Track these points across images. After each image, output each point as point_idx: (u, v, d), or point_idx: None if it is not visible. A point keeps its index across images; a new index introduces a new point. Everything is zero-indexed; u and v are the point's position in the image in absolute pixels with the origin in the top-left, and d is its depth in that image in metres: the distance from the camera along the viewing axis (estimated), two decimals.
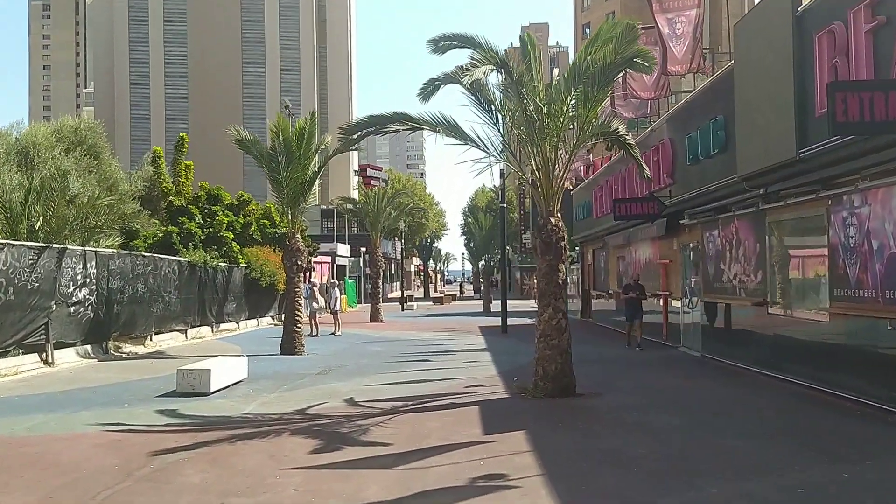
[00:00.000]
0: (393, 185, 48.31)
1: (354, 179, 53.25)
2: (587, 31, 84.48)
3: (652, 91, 17.71)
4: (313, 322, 25.90)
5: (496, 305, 45.84)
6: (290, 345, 19.44)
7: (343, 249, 54.63)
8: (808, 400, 10.90)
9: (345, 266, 55.33)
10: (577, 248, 36.25)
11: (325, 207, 69.69)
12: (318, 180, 20.68)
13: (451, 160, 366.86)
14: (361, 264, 56.08)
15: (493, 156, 11.82)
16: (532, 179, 11.74)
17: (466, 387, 12.96)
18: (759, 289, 13.61)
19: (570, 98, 10.87)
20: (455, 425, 9.49)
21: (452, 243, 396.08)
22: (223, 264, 26.28)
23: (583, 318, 33.83)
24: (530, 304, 51.09)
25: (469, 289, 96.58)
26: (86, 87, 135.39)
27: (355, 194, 45.73)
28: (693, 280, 17.96)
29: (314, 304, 26.01)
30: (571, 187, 32.79)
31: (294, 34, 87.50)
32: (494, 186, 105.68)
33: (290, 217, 20.20)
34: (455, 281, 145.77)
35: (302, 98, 77.31)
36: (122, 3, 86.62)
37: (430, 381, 13.94)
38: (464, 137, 11.70)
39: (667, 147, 17.92)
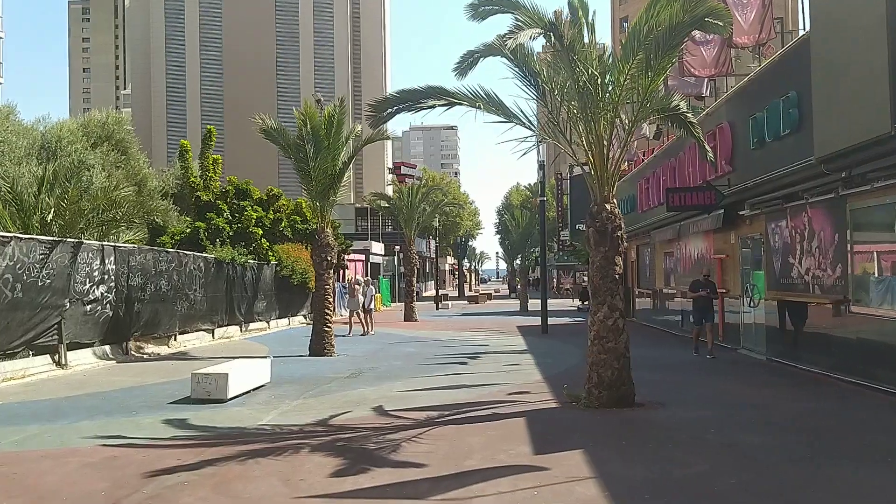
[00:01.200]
0: (427, 182, 47.17)
1: (388, 178, 52.22)
2: (625, 24, 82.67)
3: (712, 67, 16.20)
4: (355, 320, 24.83)
5: (533, 305, 44.55)
6: (319, 345, 18.32)
7: (377, 248, 53.62)
8: None
9: (379, 264, 54.33)
10: None
11: (358, 206, 68.96)
12: (348, 173, 19.51)
13: (485, 159, 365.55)
14: (395, 263, 55.05)
15: (538, 133, 10.50)
16: (584, 161, 10.41)
17: (509, 394, 11.66)
18: (838, 285, 12.08)
19: (629, 66, 9.50)
20: (499, 441, 8.20)
21: (487, 242, 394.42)
22: (252, 261, 25.29)
23: (626, 318, 32.24)
24: (567, 304, 49.58)
25: (503, 288, 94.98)
26: (124, 89, 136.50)
27: (389, 192, 44.70)
28: (754, 276, 16.43)
29: (354, 302, 24.94)
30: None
31: (328, 32, 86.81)
32: (529, 185, 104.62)
33: (319, 210, 19.06)
34: (489, 280, 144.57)
35: (336, 94, 76.65)
36: (159, 5, 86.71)
37: (469, 386, 12.67)
38: (507, 114, 10.40)
39: (725, 131, 16.41)
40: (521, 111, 10.51)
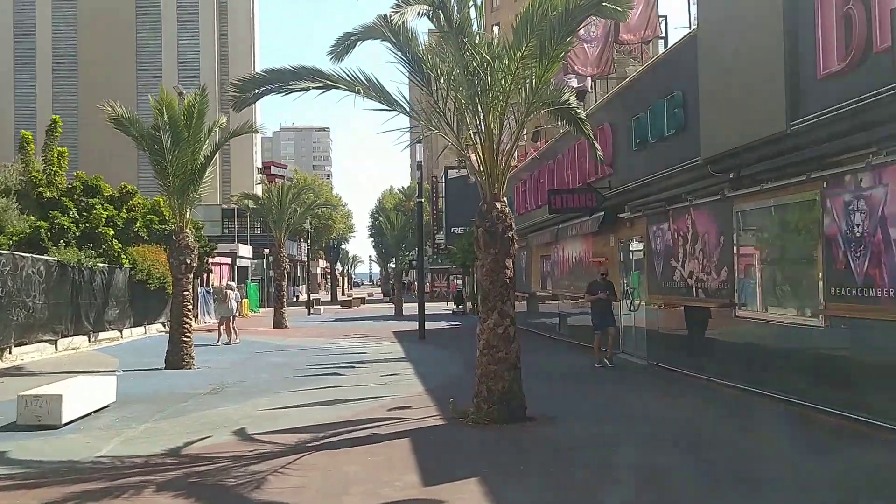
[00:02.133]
0: (298, 183, 45.39)
1: (258, 178, 49.96)
2: (495, 28, 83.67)
3: (594, 66, 15.89)
4: (223, 328, 23.01)
5: (407, 309, 43.73)
6: (176, 357, 16.62)
7: (245, 250, 51.23)
8: (826, 427, 9.01)
9: (247, 268, 51.92)
10: None
11: (225, 207, 65.88)
12: (212, 168, 17.89)
13: (358, 161, 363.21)
14: (265, 266, 52.85)
15: (422, 123, 9.59)
16: (473, 156, 9.59)
17: (390, 410, 10.65)
18: (724, 289, 11.88)
19: (521, 52, 8.74)
20: (382, 470, 7.19)
21: (360, 245, 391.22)
22: (102, 264, 22.97)
23: None
24: (442, 307, 49.12)
25: (377, 292, 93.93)
26: None
27: (259, 192, 42.58)
28: (633, 279, 16.24)
29: (225, 308, 23.13)
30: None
31: (193, 23, 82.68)
32: (403, 188, 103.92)
33: (178, 209, 17.35)
34: (363, 283, 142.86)
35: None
36: None
37: (345, 401, 11.56)
38: (389, 100, 9.43)
39: (606, 133, 16.12)
40: (405, 99, 9.57)
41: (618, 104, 15.72)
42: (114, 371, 15.46)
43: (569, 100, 10.79)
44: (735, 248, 11.53)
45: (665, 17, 15.16)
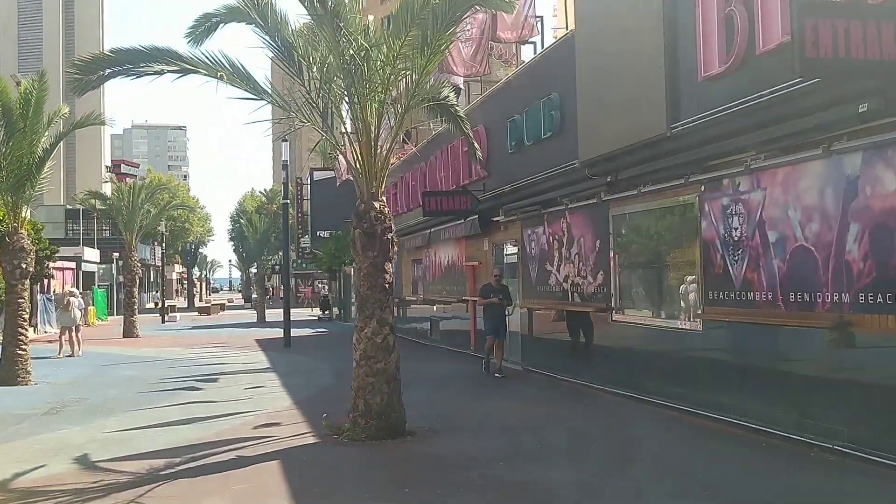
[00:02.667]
0: (152, 182, 42.67)
1: (107, 177, 46.60)
2: (370, 17, 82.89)
3: (469, 67, 15.58)
4: (65, 339, 20.92)
5: (270, 315, 42.11)
6: (10, 372, 14.84)
7: (91, 254, 47.68)
8: (699, 430, 8.93)
9: (93, 273, 48.37)
10: None
11: (70, 207, 61.37)
12: (52, 162, 16.12)
13: (217, 162, 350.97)
14: (114, 271, 49.46)
15: (294, 114, 8.83)
16: (348, 152, 8.92)
17: (256, 427, 9.77)
18: (601, 293, 11.81)
19: (402, 41, 8.18)
20: (250, 500, 6.39)
21: (219, 250, 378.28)
22: None
23: None
24: (306, 313, 47.69)
25: (237, 298, 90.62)
26: None
27: (108, 191, 39.64)
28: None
29: (68, 317, 21.03)
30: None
31: (36, 11, 76.75)
32: (265, 190, 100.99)
33: (12, 208, 15.52)
34: (222, 289, 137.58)
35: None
36: None
37: (205, 419, 10.55)
38: (256, 89, 8.60)
39: (481, 134, 15.83)
40: (274, 88, 8.77)
41: (493, 105, 15.48)
42: None
43: (448, 96, 10.36)
44: (612, 251, 11.48)
45: (541, 17, 15.08)
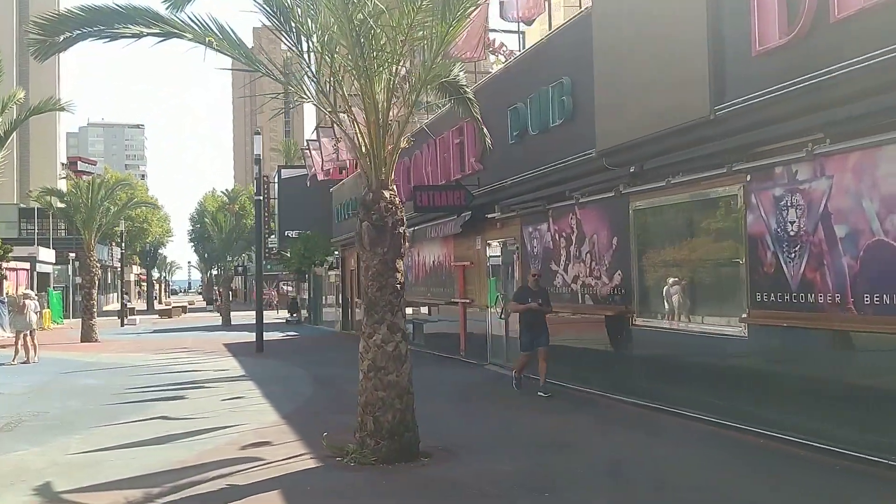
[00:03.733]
0: (110, 179, 40.75)
1: (62, 175, 44.39)
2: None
3: (463, 51, 14.48)
4: (20, 344, 19.33)
5: (236, 318, 40.56)
6: None
7: (46, 254, 45.55)
8: (747, 448, 8.03)
9: (48, 274, 46.25)
10: (335, 253, 32.47)
11: (23, 206, 58.99)
12: (6, 153, 14.76)
13: (177, 162, 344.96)
14: (70, 272, 47.38)
15: (293, 88, 7.69)
16: (355, 133, 7.81)
17: (244, 447, 8.57)
18: (618, 294, 10.84)
19: (419, 5, 7.09)
20: None
21: (178, 251, 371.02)
22: None
23: (345, 331, 30.07)
24: (272, 316, 46.09)
25: (198, 300, 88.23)
26: None
27: (64, 187, 37.69)
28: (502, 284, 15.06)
29: (23, 321, 19.44)
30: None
31: None
32: (227, 190, 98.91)
33: None
34: (182, 291, 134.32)
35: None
36: None
37: (183, 436, 9.32)
38: (248, 57, 7.45)
39: (475, 125, 14.83)
40: (270, 59, 7.62)
41: (490, 94, 14.42)
42: None
43: (459, 75, 9.30)
44: (632, 249, 10.52)
45: None
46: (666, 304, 9.93)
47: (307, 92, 7.66)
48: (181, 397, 12.88)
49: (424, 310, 19.97)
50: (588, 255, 11.66)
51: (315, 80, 7.67)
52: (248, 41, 7.56)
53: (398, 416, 7.55)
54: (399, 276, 7.84)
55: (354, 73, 7.50)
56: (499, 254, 15.28)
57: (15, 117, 14.75)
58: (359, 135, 7.86)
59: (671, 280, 9.89)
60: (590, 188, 11.45)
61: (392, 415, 7.53)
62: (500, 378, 14.15)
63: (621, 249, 10.78)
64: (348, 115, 7.89)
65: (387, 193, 7.84)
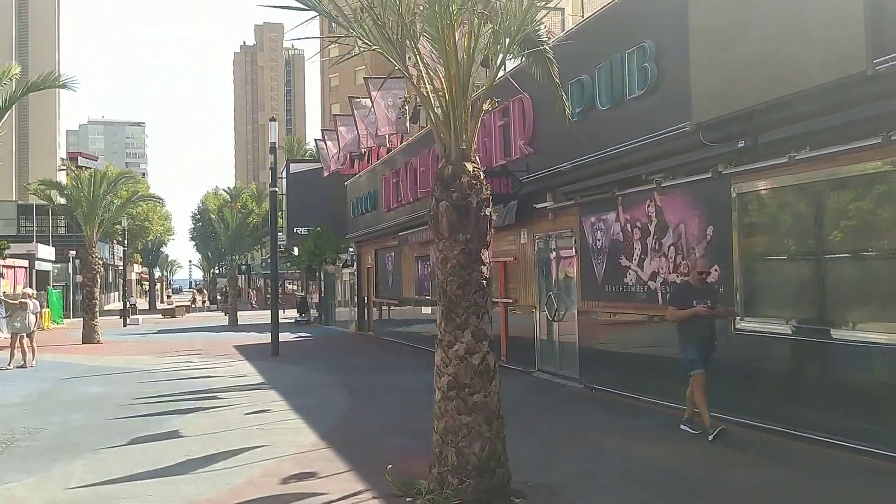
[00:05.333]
0: (112, 173, 39.14)
1: (62, 166, 42.79)
2: (333, 24, 79.61)
3: None
4: (17, 347, 17.75)
5: (242, 318, 39.01)
6: None
7: (45, 252, 43.91)
8: None
9: (48, 272, 44.63)
10: (350, 249, 30.88)
11: (22, 202, 57.48)
12: (2, 137, 13.10)
13: (177, 161, 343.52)
14: (71, 270, 45.79)
15: (357, 35, 6.11)
16: (431, 91, 6.23)
17: (286, 481, 6.98)
18: (717, 292, 9.23)
19: None
20: None
21: (178, 250, 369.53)
22: None
23: (360, 332, 28.49)
24: (279, 315, 44.40)
25: (200, 299, 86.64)
26: None
27: (64, 179, 35.99)
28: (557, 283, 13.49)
29: (17, 324, 17.86)
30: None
31: None
32: (229, 188, 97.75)
33: None
34: (182, 290, 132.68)
35: None
36: None
37: (207, 462, 7.74)
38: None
39: (525, 105, 13.26)
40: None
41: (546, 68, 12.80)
42: None
43: (540, 32, 7.71)
44: (734, 240, 8.92)
45: None
46: (783, 304, 8.32)
47: (373, 39, 6.07)
48: (198, 409, 11.30)
49: None
50: (672, 247, 10.06)
51: (382, 25, 6.07)
52: None
53: (487, 448, 5.95)
54: (485, 269, 6.25)
55: (428, 18, 5.91)
56: (550, 248, 13.69)
57: (10, 94, 13.09)
58: (433, 95, 6.27)
59: (791, 277, 8.28)
60: (676, 169, 9.86)
61: (480, 445, 5.94)
62: (555, 388, 12.59)
63: (718, 240, 9.18)
64: (422, 68, 6.28)
65: (469, 166, 6.25)
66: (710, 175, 9.17)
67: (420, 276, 21.34)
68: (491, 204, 6.34)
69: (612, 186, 11.30)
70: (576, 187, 12.20)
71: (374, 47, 6.13)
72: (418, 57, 6.33)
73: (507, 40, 6.21)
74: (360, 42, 6.16)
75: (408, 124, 19.80)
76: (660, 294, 10.29)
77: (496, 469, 5.98)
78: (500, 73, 7.07)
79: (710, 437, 7.97)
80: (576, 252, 12.58)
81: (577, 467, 7.31)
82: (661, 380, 10.31)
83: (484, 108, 6.46)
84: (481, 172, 6.33)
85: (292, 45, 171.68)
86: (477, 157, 6.43)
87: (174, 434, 9.38)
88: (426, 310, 20.75)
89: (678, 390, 9.84)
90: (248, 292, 74.78)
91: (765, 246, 8.69)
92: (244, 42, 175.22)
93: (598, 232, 11.88)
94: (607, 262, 11.61)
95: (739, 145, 8.47)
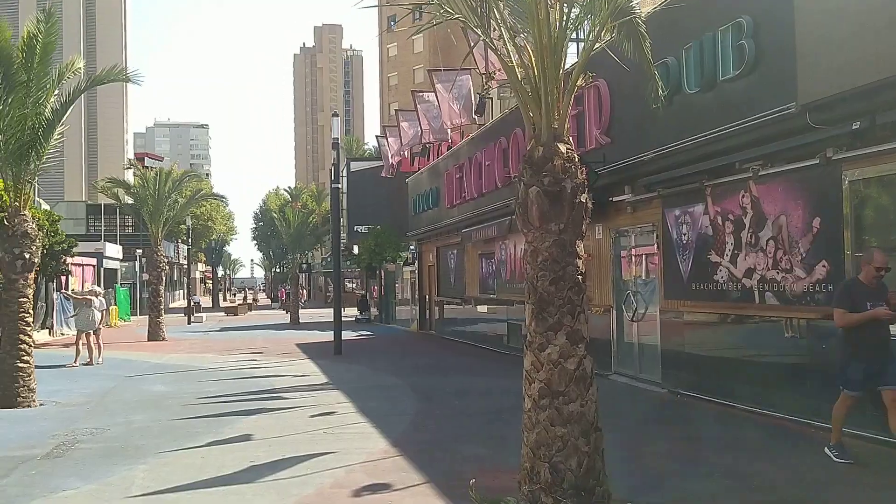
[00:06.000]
0: (175, 171, 39.62)
1: (128, 165, 43.58)
2: (392, 23, 79.66)
3: None
4: (82, 344, 17.78)
5: (302, 315, 38.99)
6: (8, 391, 11.69)
7: (113, 250, 44.71)
8: None
9: (115, 270, 45.44)
10: (411, 247, 30.45)
11: (91, 203, 58.82)
12: (58, 137, 12.84)
13: (240, 162, 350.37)
14: (137, 269, 46.54)
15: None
16: (518, 64, 5.60)
17: (359, 492, 6.44)
18: (821, 292, 8.37)
19: None
20: None
21: (240, 250, 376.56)
22: None
23: (422, 331, 28.01)
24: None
25: (260, 298, 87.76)
26: None
27: (131, 179, 36.48)
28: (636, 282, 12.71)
29: (86, 320, 17.88)
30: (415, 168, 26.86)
31: None
32: (289, 188, 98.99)
33: (12, 183, 12.37)
34: (244, 289, 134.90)
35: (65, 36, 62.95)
36: None
37: (273, 469, 7.25)
38: None
39: (601, 91, 12.53)
40: None
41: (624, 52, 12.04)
42: None
43: (633, 3, 6.98)
44: (846, 233, 8.04)
45: None
46: None
47: (453, 4, 5.47)
48: (262, 410, 10.89)
49: (518, 307, 17.68)
50: (770, 241, 9.20)
51: None
52: None
53: (585, 463, 5.29)
54: (580, 263, 5.60)
55: None
56: (629, 244, 12.90)
57: (73, 88, 12.89)
58: (520, 66, 5.63)
59: None
60: (776, 156, 9.00)
61: (577, 460, 5.27)
62: (636, 393, 11.80)
63: (826, 234, 8.31)
64: (507, 40, 5.65)
65: (562, 147, 5.59)
66: (817, 161, 8.29)
67: (484, 274, 20.70)
68: (587, 189, 5.67)
69: (700, 176, 10.47)
70: (659, 178, 11.40)
71: (457, 16, 5.52)
72: (504, 27, 5.70)
73: (605, 7, 5.52)
74: (441, 10, 5.53)
75: (473, 114, 19.16)
76: (756, 292, 9.43)
77: (595, 487, 5.31)
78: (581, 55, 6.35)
79: (837, 457, 7.03)
80: (658, 248, 11.78)
81: (682, 486, 6.56)
82: (759, 386, 9.47)
83: (578, 83, 5.78)
84: (576, 154, 5.66)
85: (350, 46, 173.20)
86: (570, 138, 5.76)
87: (238, 437, 8.95)
88: (490, 308, 20.11)
89: (780, 397, 9.03)
90: (309, 291, 75.33)
91: (882, 240, 7.78)
92: (304, 44, 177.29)
93: (684, 226, 11.05)
94: (694, 259, 10.78)
95: (854, 127, 7.60)
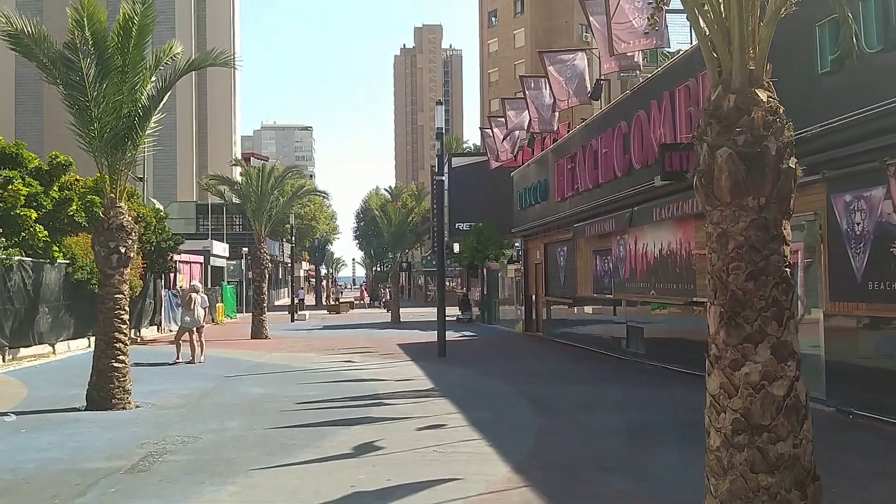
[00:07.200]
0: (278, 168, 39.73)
1: (233, 162, 44.12)
2: (493, 19, 78.34)
3: (642, 38, 10.74)
4: (184, 339, 17.42)
5: (404, 315, 38.28)
6: (102, 391, 11.08)
7: (220, 248, 45.42)
8: None
9: (222, 268, 46.17)
10: (516, 244, 29.10)
11: (200, 202, 60.26)
12: (157, 116, 12.21)
13: (342, 163, 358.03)
14: (243, 267, 47.15)
15: None
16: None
17: None
18: None
19: None
20: None
21: (342, 249, 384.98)
22: (19, 258, 17.34)
23: (528, 332, 26.61)
24: (432, 313, 43.40)
25: (351, 297, 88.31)
26: None
27: (237, 176, 36.72)
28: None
29: (187, 318, 17.51)
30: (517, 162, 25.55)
31: None
32: (390, 188, 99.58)
33: (108, 173, 11.82)
34: (347, 287, 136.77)
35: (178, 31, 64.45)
36: None
37: (379, 498, 6.11)
38: None
39: None
40: None
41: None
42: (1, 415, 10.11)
43: None
44: None
45: None
46: None
47: None
48: (364, 420, 9.83)
49: (641, 307, 16.08)
50: None
51: None
52: None
53: None
54: (788, 251, 4.15)
55: None
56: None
57: (171, 73, 12.23)
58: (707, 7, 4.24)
59: None
60: None
61: None
62: None
63: None
64: None
65: (762, 95, 4.17)
66: None
67: (598, 272, 19.15)
68: (794, 152, 4.23)
69: (880, 153, 8.71)
70: (824, 157, 9.65)
71: None
72: None
73: None
74: None
75: (589, 97, 17.66)
76: None
77: None
78: None
79: None
80: (821, 239, 10.03)
81: None
82: None
83: (783, 10, 4.33)
84: (780, 105, 4.23)
85: (450, 46, 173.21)
86: (771, 85, 4.32)
87: (338, 454, 7.88)
88: (606, 309, 18.55)
89: None
90: (384, 290, 75.25)
91: None
92: (404, 45, 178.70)
93: (857, 213, 9.28)
94: (871, 253, 9.01)
95: None
